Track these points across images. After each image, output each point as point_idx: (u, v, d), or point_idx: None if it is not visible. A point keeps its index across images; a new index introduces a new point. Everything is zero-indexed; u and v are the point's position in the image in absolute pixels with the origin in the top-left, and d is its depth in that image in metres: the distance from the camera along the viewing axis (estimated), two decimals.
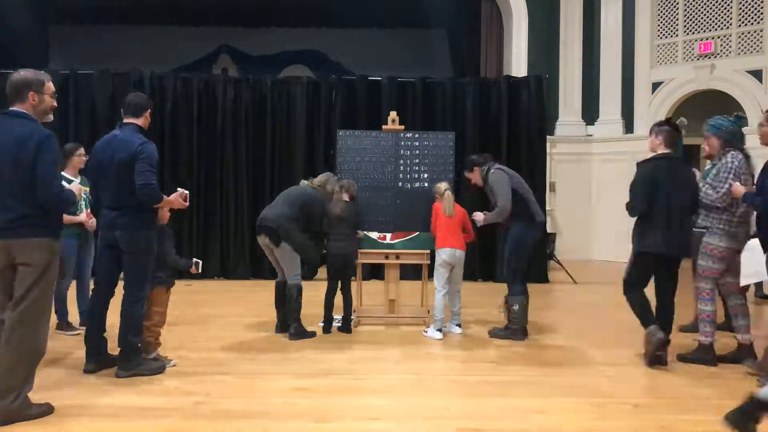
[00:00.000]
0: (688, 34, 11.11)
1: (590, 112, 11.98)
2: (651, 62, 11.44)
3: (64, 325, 5.37)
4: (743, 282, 4.50)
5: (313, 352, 4.88)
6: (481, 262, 9.04)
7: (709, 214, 4.56)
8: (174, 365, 4.40)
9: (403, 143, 6.18)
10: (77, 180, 5.35)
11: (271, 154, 9.06)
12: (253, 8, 13.91)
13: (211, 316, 6.21)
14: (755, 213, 4.38)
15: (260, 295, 7.41)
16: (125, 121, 4.26)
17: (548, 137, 10.47)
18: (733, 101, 10.68)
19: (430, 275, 5.79)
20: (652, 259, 4.53)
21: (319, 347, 5.05)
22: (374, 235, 5.99)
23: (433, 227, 5.68)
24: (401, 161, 6.17)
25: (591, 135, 11.89)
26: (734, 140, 4.65)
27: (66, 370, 4.28)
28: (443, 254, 5.49)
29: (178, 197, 4.29)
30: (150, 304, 4.30)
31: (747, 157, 4.60)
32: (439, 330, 5.42)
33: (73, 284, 5.45)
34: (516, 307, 5.34)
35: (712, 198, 4.47)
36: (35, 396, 3.49)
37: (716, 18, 10.79)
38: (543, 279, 8.86)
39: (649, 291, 4.64)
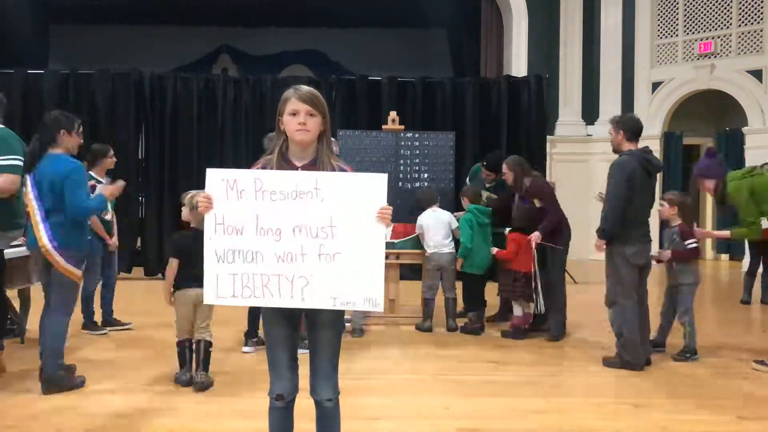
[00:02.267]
0: (688, 33, 11.10)
1: (590, 112, 11.97)
2: (651, 62, 11.43)
3: (89, 324, 5.38)
4: None
5: None
6: None
7: None
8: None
9: (403, 143, 6.19)
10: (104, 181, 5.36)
11: None
12: (252, 8, 13.90)
13: None
14: None
15: None
16: None
17: (548, 137, 10.47)
18: (734, 101, 10.68)
19: None
20: None
21: None
22: None
23: None
24: (401, 161, 6.18)
25: (591, 135, 11.88)
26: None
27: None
28: None
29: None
30: None
31: None
32: None
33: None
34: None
35: None
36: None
37: (716, 18, 10.79)
38: None
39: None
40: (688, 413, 3.64)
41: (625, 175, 4.40)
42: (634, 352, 4.43)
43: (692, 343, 4.76)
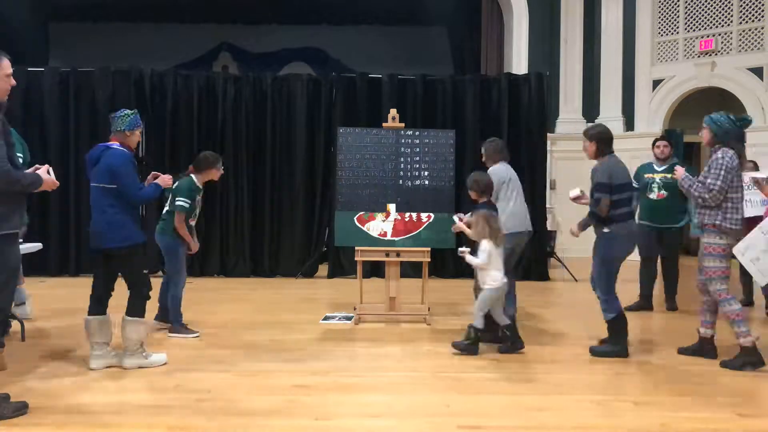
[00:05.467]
0: (688, 31, 11.09)
1: (591, 110, 11.96)
2: (652, 59, 11.42)
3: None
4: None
5: (314, 350, 4.89)
6: None
7: (704, 211, 4.52)
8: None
9: (403, 141, 6.19)
10: None
11: (272, 152, 9.04)
12: (253, 5, 13.89)
13: (211, 313, 6.21)
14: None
15: (260, 293, 7.43)
16: None
17: (549, 134, 10.46)
18: (734, 99, 10.67)
19: (431, 273, 5.78)
20: None
21: (320, 345, 5.06)
22: (375, 232, 5.99)
23: None
24: (402, 159, 6.17)
25: None
26: (726, 138, 4.53)
27: (66, 366, 4.29)
28: None
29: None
30: None
31: (740, 157, 4.55)
32: None
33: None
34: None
35: (704, 196, 4.43)
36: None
37: (717, 15, 10.78)
38: (543, 276, 8.86)
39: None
40: (688, 411, 3.64)
41: None
42: None
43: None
